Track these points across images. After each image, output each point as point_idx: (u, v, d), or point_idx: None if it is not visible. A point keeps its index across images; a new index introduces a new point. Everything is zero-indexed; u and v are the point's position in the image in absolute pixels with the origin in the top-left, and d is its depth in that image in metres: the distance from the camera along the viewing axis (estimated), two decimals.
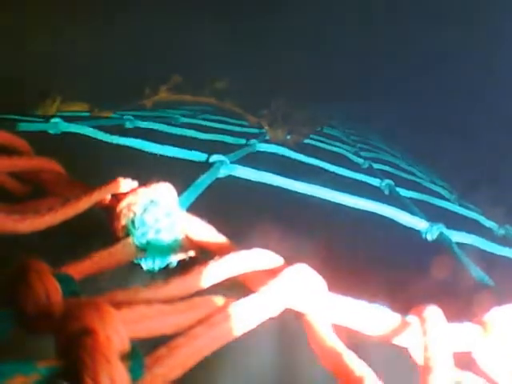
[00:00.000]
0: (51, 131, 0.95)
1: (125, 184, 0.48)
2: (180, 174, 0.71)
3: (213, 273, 0.40)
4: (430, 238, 0.84)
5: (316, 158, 1.23)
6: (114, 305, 0.29)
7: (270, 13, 3.22)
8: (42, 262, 0.32)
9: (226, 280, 0.41)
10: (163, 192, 0.47)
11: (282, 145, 1.27)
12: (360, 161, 1.60)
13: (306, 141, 1.63)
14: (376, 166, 1.60)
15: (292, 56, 3.17)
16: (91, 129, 0.95)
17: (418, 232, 0.85)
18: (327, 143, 1.72)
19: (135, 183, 0.49)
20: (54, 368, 0.25)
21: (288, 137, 1.56)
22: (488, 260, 0.83)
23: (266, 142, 1.36)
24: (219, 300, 0.36)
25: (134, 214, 0.45)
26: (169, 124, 1.28)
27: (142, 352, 0.28)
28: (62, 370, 0.25)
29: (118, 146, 0.90)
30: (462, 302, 0.56)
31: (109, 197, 0.48)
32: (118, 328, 0.27)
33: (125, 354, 0.27)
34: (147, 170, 0.52)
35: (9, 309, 0.29)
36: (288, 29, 3.29)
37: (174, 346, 0.31)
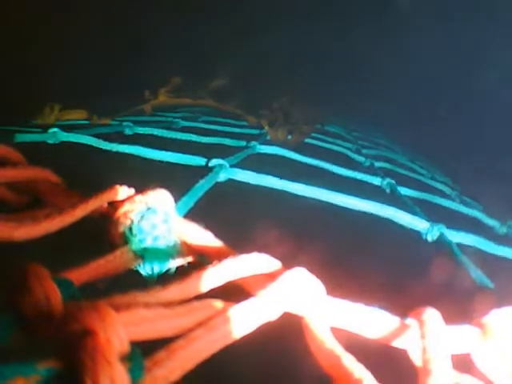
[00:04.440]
0: (50, 141, 0.96)
1: (121, 191, 0.48)
2: (180, 180, 0.72)
3: (212, 277, 0.40)
4: (430, 238, 0.83)
5: (317, 158, 1.23)
6: (114, 307, 0.29)
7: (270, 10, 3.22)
8: (42, 267, 0.32)
9: (225, 284, 0.41)
10: (160, 199, 0.47)
11: (283, 145, 1.27)
12: (361, 159, 1.60)
13: (307, 140, 1.63)
14: (377, 163, 1.59)
15: (292, 54, 3.17)
16: (90, 137, 0.95)
17: (418, 233, 0.85)
18: (328, 142, 1.72)
19: (132, 190, 0.49)
20: (54, 369, 0.26)
21: (289, 137, 1.55)
22: (488, 261, 0.83)
23: (267, 143, 1.36)
24: (218, 303, 0.37)
25: (131, 221, 0.45)
26: (168, 129, 1.28)
27: (141, 354, 0.29)
28: (62, 371, 0.26)
29: (118, 153, 0.90)
30: (461, 304, 0.56)
31: (106, 204, 0.48)
32: (117, 329, 0.27)
33: (125, 356, 0.27)
34: (147, 176, 0.52)
35: (9, 313, 0.29)
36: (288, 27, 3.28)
37: (173, 348, 0.31)
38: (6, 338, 0.28)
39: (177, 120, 1.55)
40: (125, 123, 1.28)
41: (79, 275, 0.38)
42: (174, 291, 0.37)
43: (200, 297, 0.37)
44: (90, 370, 0.25)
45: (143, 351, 0.29)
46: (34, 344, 0.29)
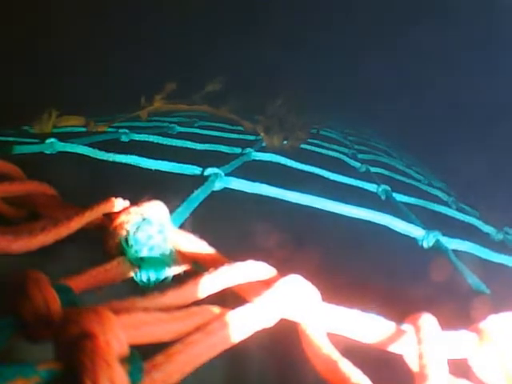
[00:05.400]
0: (47, 152, 0.96)
1: (117, 203, 0.49)
2: (176, 189, 0.72)
3: (208, 284, 0.40)
4: (426, 245, 0.83)
5: (312, 164, 1.23)
6: (113, 311, 0.29)
7: (267, 15, 3.22)
8: (41, 273, 0.32)
9: (222, 291, 0.41)
10: (155, 210, 0.48)
11: (278, 152, 1.27)
12: (357, 164, 1.60)
13: (303, 146, 1.63)
14: (373, 169, 1.59)
15: (291, 57, 3.17)
16: (86, 147, 0.95)
17: (414, 239, 0.85)
18: (324, 147, 1.71)
19: (127, 202, 0.50)
20: (54, 371, 0.26)
21: (285, 142, 1.55)
22: (485, 267, 0.83)
23: (262, 149, 1.36)
24: (216, 309, 0.37)
25: (127, 232, 0.46)
26: (164, 135, 1.28)
27: (140, 357, 0.29)
28: (62, 373, 0.26)
29: (114, 162, 0.90)
30: (458, 309, 0.56)
31: (101, 216, 0.48)
32: (117, 332, 0.28)
33: (124, 358, 0.28)
34: (144, 185, 0.52)
35: (9, 318, 0.29)
36: (285, 29, 3.29)
37: (171, 352, 0.31)
38: (5, 341, 0.28)
39: (172, 125, 1.55)
40: (121, 130, 1.29)
41: (77, 283, 0.38)
42: (172, 297, 0.37)
43: (197, 303, 0.38)
44: (90, 372, 0.25)
45: (142, 355, 0.29)
46: (33, 347, 0.29)
